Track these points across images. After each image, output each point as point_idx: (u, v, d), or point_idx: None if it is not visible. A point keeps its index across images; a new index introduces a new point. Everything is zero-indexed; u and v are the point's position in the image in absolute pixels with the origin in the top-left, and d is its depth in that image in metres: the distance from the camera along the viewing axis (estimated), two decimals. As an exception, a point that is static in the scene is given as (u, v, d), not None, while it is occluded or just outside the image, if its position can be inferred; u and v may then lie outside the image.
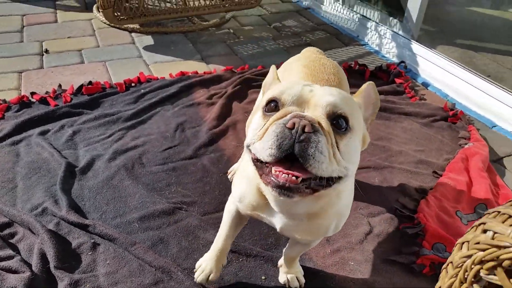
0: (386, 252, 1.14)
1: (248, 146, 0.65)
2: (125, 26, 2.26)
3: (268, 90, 0.74)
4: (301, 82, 0.68)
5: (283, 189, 0.60)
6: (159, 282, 1.01)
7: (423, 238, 1.16)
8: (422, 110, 1.77)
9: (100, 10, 2.13)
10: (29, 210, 1.17)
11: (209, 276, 1.00)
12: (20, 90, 1.73)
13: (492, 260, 0.36)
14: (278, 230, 0.80)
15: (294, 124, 0.59)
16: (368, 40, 2.43)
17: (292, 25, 2.60)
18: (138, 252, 1.07)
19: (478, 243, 0.36)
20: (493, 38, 2.41)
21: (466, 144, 1.56)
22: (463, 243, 0.42)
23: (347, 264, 1.10)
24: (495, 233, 0.36)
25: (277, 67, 1.97)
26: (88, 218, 1.16)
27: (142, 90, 1.75)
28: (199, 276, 1.01)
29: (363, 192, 1.34)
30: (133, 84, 1.80)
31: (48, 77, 1.83)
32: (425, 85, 2.02)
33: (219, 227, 0.99)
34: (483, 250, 0.37)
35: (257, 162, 0.64)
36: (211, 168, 1.39)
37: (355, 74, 2.04)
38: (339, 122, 0.62)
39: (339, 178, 0.63)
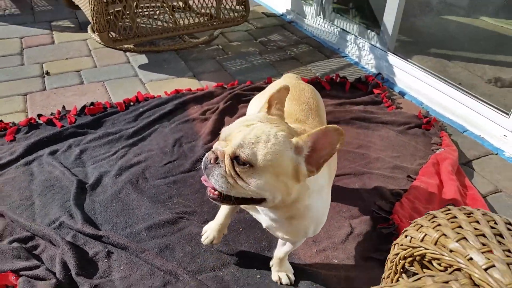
0: (365, 250, 1.30)
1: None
2: (119, 46, 2.40)
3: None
4: (247, 120, 0.84)
5: (211, 198, 0.85)
6: (168, 284, 1.16)
7: (397, 237, 1.32)
8: (398, 118, 1.93)
9: (95, 32, 2.26)
10: (47, 224, 1.31)
11: (212, 241, 1.22)
12: (27, 112, 1.86)
13: (410, 256, 0.51)
14: (264, 227, 1.00)
15: (206, 157, 0.82)
16: (348, 52, 2.60)
17: (277, 39, 2.76)
18: (147, 258, 1.22)
19: (402, 245, 0.51)
20: (465, 46, 2.59)
21: (437, 149, 1.73)
22: (395, 244, 0.58)
23: (331, 262, 1.26)
24: (411, 237, 0.51)
25: (265, 82, 2.09)
26: (101, 230, 1.30)
27: (141, 109, 1.89)
28: (204, 240, 1.23)
29: (344, 196, 1.50)
30: (132, 103, 1.94)
31: (51, 99, 1.96)
32: (402, 94, 2.20)
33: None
34: (405, 249, 0.53)
35: None
36: (208, 179, 1.53)
37: (337, 86, 2.20)
38: (239, 160, 0.78)
39: (263, 199, 0.82)
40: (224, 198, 0.83)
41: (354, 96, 2.14)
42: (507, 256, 0.43)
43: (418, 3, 2.56)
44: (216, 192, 0.83)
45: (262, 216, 0.97)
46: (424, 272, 0.50)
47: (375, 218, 1.41)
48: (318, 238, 1.32)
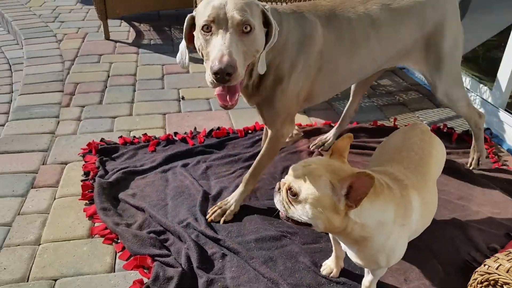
0: (454, 295, 1.37)
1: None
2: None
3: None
4: (308, 161, 1.08)
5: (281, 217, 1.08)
6: (270, 290, 1.36)
7: None
8: (503, 175, 1.94)
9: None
10: (177, 223, 1.60)
11: (330, 273, 1.42)
12: (165, 129, 2.24)
13: (486, 280, 0.64)
14: (348, 254, 1.18)
15: (277, 187, 1.09)
16: (458, 103, 2.63)
17: (387, 84, 2.90)
18: (254, 265, 1.43)
19: (480, 271, 0.64)
20: None
21: (542, 211, 1.72)
22: (475, 272, 0.70)
23: (419, 300, 1.35)
24: (488, 266, 0.64)
25: (370, 124, 2.15)
26: (219, 234, 1.55)
27: (257, 137, 2.17)
28: (324, 270, 1.43)
29: (440, 244, 1.57)
30: (250, 131, 2.23)
31: (185, 120, 2.33)
32: (510, 151, 2.18)
33: (315, 255, 1.35)
34: (482, 275, 0.65)
35: None
36: (311, 207, 1.72)
37: (443, 136, 2.25)
38: (291, 191, 1.01)
39: (309, 224, 1.03)
40: (288, 219, 1.06)
41: (460, 147, 2.18)
42: None
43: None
44: (283, 213, 1.07)
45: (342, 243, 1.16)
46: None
47: (467, 268, 1.47)
48: (409, 277, 1.42)
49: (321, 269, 1.43)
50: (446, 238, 1.60)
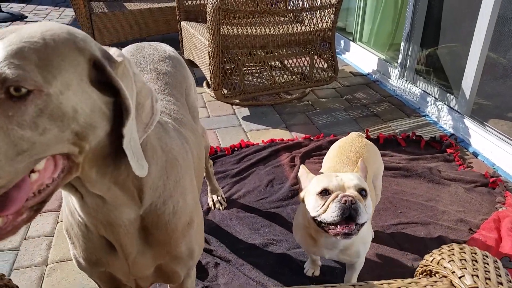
0: (422, 286, 1.55)
1: (314, 217, 1.18)
2: (229, 101, 2.92)
3: (310, 180, 1.29)
4: (332, 174, 1.22)
5: (348, 235, 1.12)
6: (259, 292, 1.52)
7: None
8: (467, 176, 2.14)
9: (211, 90, 2.81)
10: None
11: (313, 273, 1.59)
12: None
13: (424, 271, 0.83)
14: (326, 257, 1.34)
15: (346, 200, 1.11)
16: (428, 112, 2.85)
17: (362, 97, 3.11)
18: (245, 271, 1.59)
19: (421, 264, 0.82)
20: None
21: (500, 207, 1.91)
22: (418, 266, 0.88)
23: (392, 293, 1.52)
24: (425, 259, 0.83)
25: (344, 135, 2.29)
26: (211, 246, 1.71)
27: (243, 153, 2.34)
28: (307, 271, 1.60)
29: (411, 242, 1.75)
30: (236, 148, 2.40)
31: (175, 141, 2.49)
32: (475, 154, 2.39)
33: (299, 258, 1.50)
34: (421, 267, 0.84)
35: (320, 223, 1.16)
36: (293, 215, 1.89)
37: (413, 143, 2.47)
38: (361, 192, 1.15)
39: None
40: (353, 232, 1.12)
41: (428, 153, 2.38)
42: (474, 270, 0.73)
43: (501, 65, 2.72)
44: (354, 227, 1.12)
45: (322, 250, 1.31)
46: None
47: (435, 262, 1.65)
48: (383, 275, 1.59)
49: (304, 271, 1.60)
50: (416, 236, 1.79)
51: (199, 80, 3.35)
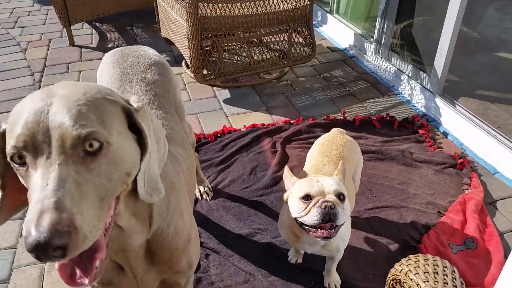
0: (395, 269, 1.72)
1: (296, 218, 1.31)
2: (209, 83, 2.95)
3: (293, 183, 1.40)
4: (314, 179, 1.34)
5: (327, 238, 1.25)
6: (248, 281, 1.65)
7: (420, 261, 1.72)
8: (436, 158, 2.29)
9: (191, 71, 2.82)
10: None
11: (296, 260, 1.73)
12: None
13: (393, 280, 0.95)
14: (308, 252, 1.49)
15: (325, 206, 1.24)
16: (402, 90, 2.96)
17: (338, 75, 3.18)
18: (234, 261, 1.72)
19: (392, 272, 0.94)
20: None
21: (466, 190, 2.08)
22: (390, 271, 1.02)
23: (368, 277, 1.69)
24: (395, 269, 0.95)
25: (324, 119, 2.36)
26: (201, 237, 1.83)
27: (226, 140, 2.42)
28: (291, 259, 1.73)
29: (384, 226, 1.91)
30: (219, 135, 2.47)
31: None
32: (445, 134, 2.54)
33: (283, 246, 1.67)
34: (392, 275, 0.97)
35: (302, 225, 1.29)
36: (276, 203, 2.02)
37: (386, 125, 2.59)
38: (340, 196, 1.28)
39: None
40: (333, 232, 1.25)
41: (400, 134, 2.52)
42: (435, 282, 0.87)
43: (473, 39, 2.80)
44: (332, 231, 1.25)
45: (305, 245, 1.45)
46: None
47: (407, 246, 1.81)
48: (359, 259, 1.75)
49: (288, 259, 1.74)
50: (390, 221, 1.94)
51: (177, 59, 3.34)
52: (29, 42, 3.67)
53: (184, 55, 2.88)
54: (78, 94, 0.67)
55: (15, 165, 0.65)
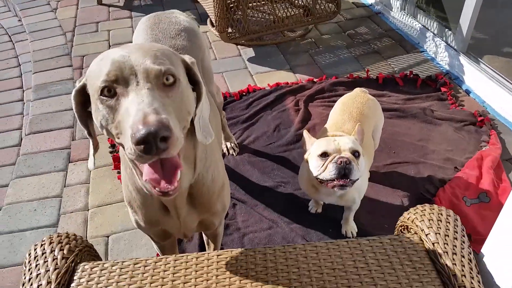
0: (409, 220, 1.83)
1: (317, 176, 1.42)
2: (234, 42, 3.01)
3: (312, 144, 1.51)
4: (331, 139, 1.45)
5: (343, 186, 1.37)
6: (271, 228, 1.80)
7: (434, 213, 1.82)
8: (457, 116, 2.33)
9: (216, 30, 2.88)
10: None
11: (316, 210, 1.87)
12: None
13: (401, 226, 1.07)
14: (326, 202, 1.65)
15: (341, 161, 1.36)
16: (427, 47, 2.95)
17: (363, 32, 3.18)
18: (258, 210, 1.87)
19: (399, 220, 1.05)
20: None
21: (484, 146, 2.14)
22: (399, 219, 1.14)
23: (383, 226, 1.81)
24: (403, 217, 1.07)
25: (347, 77, 2.45)
26: (228, 189, 1.97)
27: (251, 99, 2.51)
28: (311, 209, 1.86)
29: (401, 180, 2.00)
30: (244, 94, 2.57)
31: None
32: (467, 92, 2.55)
33: (306, 198, 1.80)
34: (400, 222, 1.09)
35: (321, 181, 1.42)
36: (298, 159, 2.13)
37: (409, 82, 2.62)
38: (355, 154, 1.39)
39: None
40: (347, 185, 1.37)
41: (423, 92, 2.55)
42: (438, 228, 0.98)
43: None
44: (348, 180, 1.36)
45: (322, 195, 1.57)
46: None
47: (422, 199, 1.91)
48: (376, 210, 1.87)
49: (309, 209, 1.87)
50: (407, 175, 2.04)
51: (202, 17, 3.39)
52: (59, 1, 3.77)
53: (209, 14, 2.93)
54: (149, 46, 0.83)
55: (105, 98, 0.77)
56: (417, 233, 1.04)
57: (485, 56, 2.66)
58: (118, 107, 0.77)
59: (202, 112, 0.92)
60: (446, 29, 2.82)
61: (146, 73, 0.77)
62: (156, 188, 0.77)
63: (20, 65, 3.18)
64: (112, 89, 0.77)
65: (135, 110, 0.72)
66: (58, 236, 1.02)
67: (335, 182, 1.38)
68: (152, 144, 0.69)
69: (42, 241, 1.01)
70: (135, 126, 0.69)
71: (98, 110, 0.80)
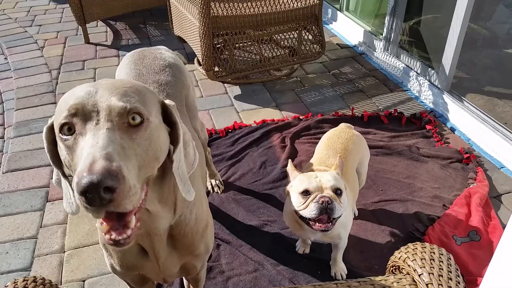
0: (399, 260, 1.77)
1: (297, 211, 1.39)
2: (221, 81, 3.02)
3: (294, 178, 1.48)
4: (313, 175, 1.41)
5: (326, 230, 1.33)
6: (257, 270, 1.72)
7: (424, 252, 1.77)
8: (443, 153, 2.33)
9: (203, 68, 2.90)
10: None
11: (304, 251, 1.80)
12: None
13: (393, 266, 1.02)
14: (311, 239, 1.58)
15: (323, 201, 1.32)
16: (410, 86, 2.99)
17: (348, 71, 3.22)
18: (244, 251, 1.79)
19: (392, 259, 1.01)
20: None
21: (472, 184, 2.12)
22: (390, 258, 1.08)
23: (373, 267, 1.74)
24: (395, 256, 1.02)
25: (332, 115, 2.41)
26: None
27: (237, 135, 2.49)
28: (298, 249, 1.80)
29: (390, 219, 1.96)
30: (230, 130, 2.54)
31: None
32: (452, 129, 2.57)
33: (291, 237, 1.72)
34: (392, 262, 1.03)
35: (302, 218, 1.38)
36: (285, 196, 2.07)
37: (394, 120, 2.64)
38: (337, 191, 1.35)
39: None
40: (330, 225, 1.34)
41: (408, 129, 2.56)
42: (431, 268, 0.93)
43: (481, 36, 2.81)
44: (330, 224, 1.34)
45: (308, 232, 1.51)
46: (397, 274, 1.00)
47: (412, 238, 1.87)
48: (365, 250, 1.81)
49: (296, 249, 1.81)
50: (395, 213, 2.00)
51: (190, 56, 3.42)
52: (46, 40, 3.78)
53: (196, 53, 2.95)
54: (122, 82, 0.77)
55: (64, 136, 0.71)
56: (409, 274, 0.99)
57: (468, 94, 2.70)
58: (75, 147, 0.70)
59: (180, 160, 0.83)
60: (429, 69, 2.87)
61: (109, 110, 0.70)
62: (106, 236, 0.69)
63: (3, 102, 3.12)
64: (72, 127, 0.71)
65: (86, 154, 0.66)
66: (23, 280, 0.94)
67: (316, 225, 1.35)
68: (94, 194, 0.62)
69: (5, 286, 0.93)
70: (80, 174, 0.62)
71: (60, 149, 0.74)
